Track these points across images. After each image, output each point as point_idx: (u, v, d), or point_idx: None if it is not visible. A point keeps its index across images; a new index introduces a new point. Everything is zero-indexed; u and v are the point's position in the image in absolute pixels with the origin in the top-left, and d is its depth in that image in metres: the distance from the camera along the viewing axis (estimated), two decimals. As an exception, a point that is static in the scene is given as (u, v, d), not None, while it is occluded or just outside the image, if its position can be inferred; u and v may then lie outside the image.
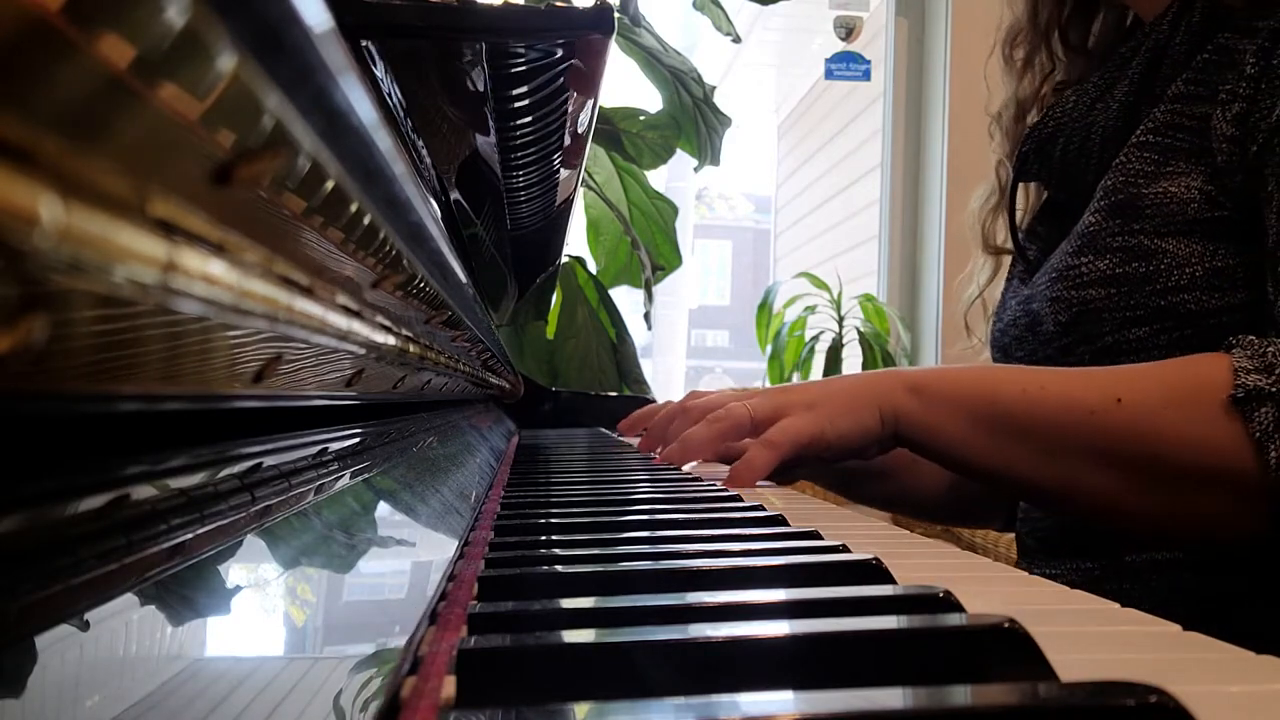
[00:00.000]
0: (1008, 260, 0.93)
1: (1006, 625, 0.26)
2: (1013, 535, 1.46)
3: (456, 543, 0.42)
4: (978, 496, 0.97)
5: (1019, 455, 0.65)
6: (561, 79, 0.65)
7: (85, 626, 0.16)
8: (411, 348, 0.39)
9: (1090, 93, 0.79)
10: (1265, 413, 0.57)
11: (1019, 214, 0.90)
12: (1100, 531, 0.73)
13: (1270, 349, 0.59)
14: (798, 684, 0.25)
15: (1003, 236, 0.94)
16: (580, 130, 0.79)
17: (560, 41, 0.58)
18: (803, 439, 0.69)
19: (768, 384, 2.59)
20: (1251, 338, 0.61)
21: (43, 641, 0.15)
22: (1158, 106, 0.72)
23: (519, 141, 0.76)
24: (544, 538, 0.47)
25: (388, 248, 0.26)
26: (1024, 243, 0.88)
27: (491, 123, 0.71)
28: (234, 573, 0.23)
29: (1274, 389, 0.57)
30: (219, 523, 0.23)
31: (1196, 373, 0.61)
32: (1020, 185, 0.90)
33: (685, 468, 0.78)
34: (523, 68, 0.62)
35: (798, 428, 0.69)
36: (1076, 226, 0.75)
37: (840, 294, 2.61)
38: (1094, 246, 0.72)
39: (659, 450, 0.85)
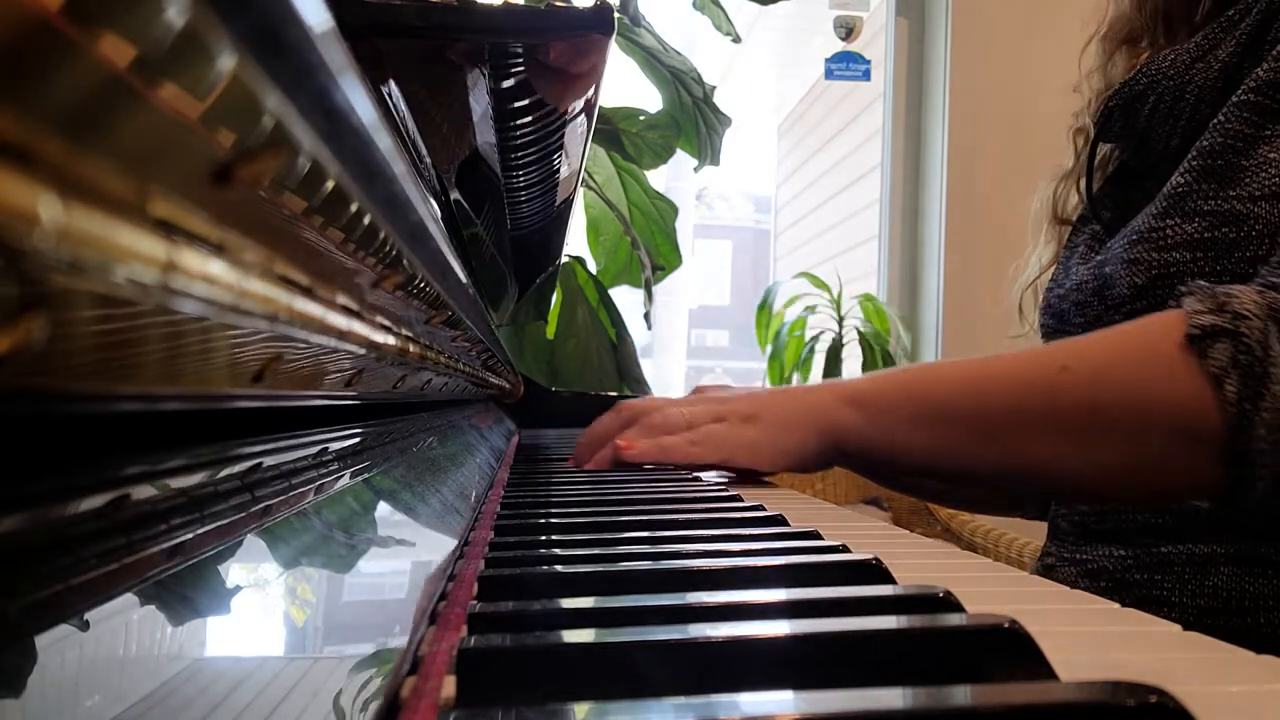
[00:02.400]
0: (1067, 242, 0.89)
1: (1006, 625, 0.26)
2: (1013, 535, 1.46)
3: (456, 543, 0.42)
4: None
5: (970, 447, 0.63)
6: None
7: (85, 626, 0.16)
8: (411, 348, 0.39)
9: (1191, 51, 0.74)
10: (1221, 349, 0.54)
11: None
12: (1138, 519, 0.70)
13: (1221, 290, 0.57)
14: (798, 684, 0.25)
15: (1073, 204, 0.89)
16: (580, 130, 0.79)
17: (560, 41, 0.58)
18: (724, 449, 0.70)
19: (768, 384, 2.59)
20: (1203, 283, 0.58)
21: (43, 641, 0.15)
22: (1261, 65, 0.68)
23: (519, 141, 0.76)
24: (544, 537, 0.47)
25: (388, 248, 0.26)
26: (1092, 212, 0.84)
27: (491, 123, 0.71)
28: (234, 573, 0.23)
29: (1229, 325, 0.54)
30: (219, 523, 0.23)
31: (1146, 327, 0.59)
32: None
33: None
34: (523, 68, 0.62)
35: (725, 437, 0.70)
36: (1164, 188, 0.71)
37: (840, 294, 2.61)
38: (1182, 209, 0.68)
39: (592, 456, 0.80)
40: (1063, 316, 0.80)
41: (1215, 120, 0.69)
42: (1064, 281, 0.82)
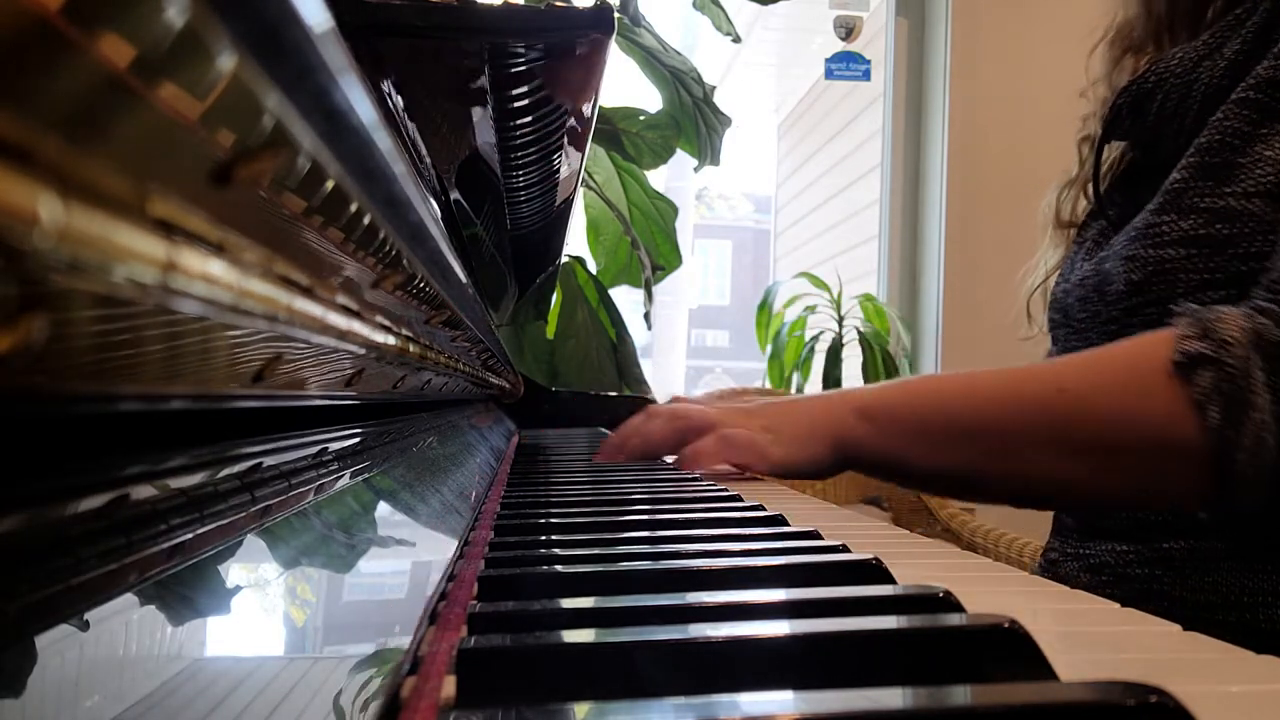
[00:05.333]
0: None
1: (1006, 625, 0.26)
2: (1013, 535, 1.46)
3: (456, 543, 0.42)
4: None
5: (973, 462, 0.68)
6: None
7: (85, 626, 0.16)
8: (411, 348, 0.39)
9: (1199, 49, 0.74)
10: (1204, 375, 0.58)
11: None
12: (1140, 515, 0.72)
13: (1211, 315, 0.59)
14: (798, 684, 0.25)
15: (1081, 208, 0.90)
16: (580, 130, 0.79)
17: (560, 41, 0.58)
18: (752, 454, 0.74)
19: (768, 384, 2.59)
20: (1193, 306, 0.61)
21: (43, 641, 0.15)
22: (1262, 62, 0.68)
23: (519, 141, 0.76)
24: (544, 538, 0.47)
25: (388, 248, 0.26)
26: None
27: (491, 123, 0.71)
28: (234, 573, 0.23)
29: (1212, 352, 0.57)
30: (219, 523, 0.23)
31: (1138, 349, 0.62)
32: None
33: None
34: (523, 68, 0.62)
35: (754, 441, 0.75)
36: (1163, 184, 0.72)
37: (840, 294, 2.61)
38: (1178, 205, 0.69)
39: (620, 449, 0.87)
40: (1066, 311, 0.81)
41: (1214, 117, 0.69)
42: (1070, 276, 0.83)
